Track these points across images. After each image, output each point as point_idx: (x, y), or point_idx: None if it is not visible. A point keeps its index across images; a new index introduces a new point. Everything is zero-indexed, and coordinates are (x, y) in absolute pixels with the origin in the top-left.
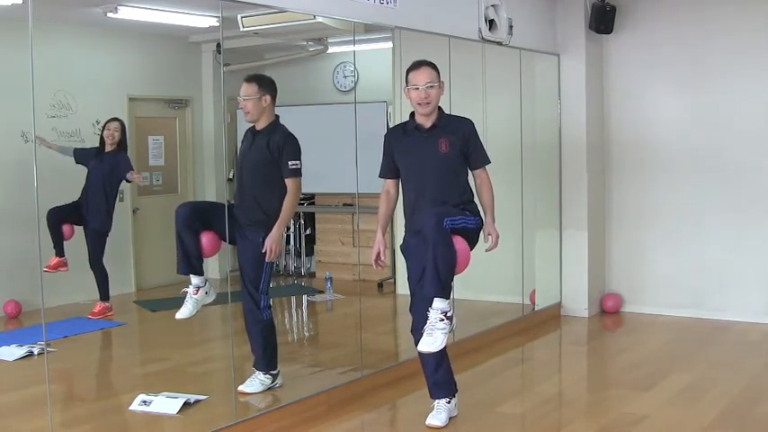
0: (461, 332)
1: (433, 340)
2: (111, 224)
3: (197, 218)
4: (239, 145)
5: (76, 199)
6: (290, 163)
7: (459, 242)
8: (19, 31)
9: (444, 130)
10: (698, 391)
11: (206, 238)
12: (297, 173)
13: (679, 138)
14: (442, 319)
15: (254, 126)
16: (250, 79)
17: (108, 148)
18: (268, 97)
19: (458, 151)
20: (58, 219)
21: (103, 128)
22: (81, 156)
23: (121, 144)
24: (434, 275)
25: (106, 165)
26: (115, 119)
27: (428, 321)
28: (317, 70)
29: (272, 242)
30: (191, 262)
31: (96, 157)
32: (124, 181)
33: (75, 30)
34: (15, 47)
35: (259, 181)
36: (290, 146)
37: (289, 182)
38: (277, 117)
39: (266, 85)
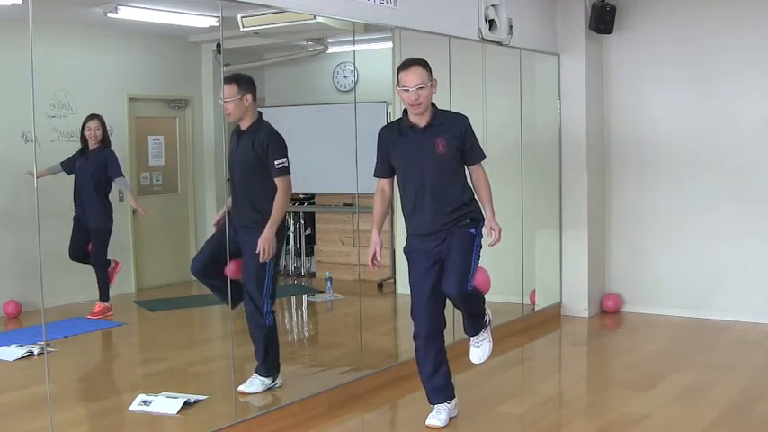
0: (461, 332)
1: (482, 352)
2: (111, 222)
3: (211, 264)
4: None
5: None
6: (276, 162)
7: (480, 274)
8: (19, 31)
9: (440, 129)
10: (698, 391)
11: (229, 270)
12: (284, 171)
13: (679, 138)
14: (484, 330)
15: (238, 126)
16: (229, 80)
17: (92, 147)
18: (249, 96)
19: (455, 150)
20: (84, 254)
21: (83, 127)
22: (69, 166)
23: (105, 141)
24: (471, 323)
25: (92, 163)
26: (93, 116)
27: (473, 338)
28: (317, 70)
29: (264, 242)
30: (230, 295)
31: (82, 157)
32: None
33: (75, 30)
34: (15, 47)
35: (250, 182)
36: (275, 144)
37: (278, 181)
38: (260, 114)
39: (246, 84)
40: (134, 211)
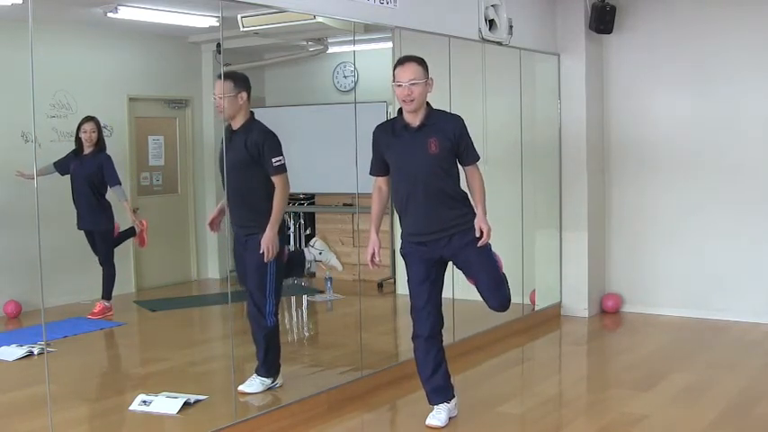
0: (461, 332)
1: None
2: (112, 221)
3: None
4: None
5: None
6: (273, 160)
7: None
8: (19, 31)
9: (433, 129)
10: (698, 391)
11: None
12: (282, 168)
13: (679, 137)
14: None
15: (229, 126)
16: (225, 77)
17: (87, 150)
18: (244, 94)
19: (447, 151)
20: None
21: (78, 129)
22: (63, 166)
23: (100, 143)
24: None
25: (88, 166)
26: (89, 118)
27: None
28: (317, 70)
29: (267, 242)
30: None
31: (76, 160)
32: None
33: (75, 30)
34: (15, 47)
35: (244, 182)
36: (270, 143)
37: (276, 179)
38: (252, 114)
39: (242, 82)
40: (136, 212)
